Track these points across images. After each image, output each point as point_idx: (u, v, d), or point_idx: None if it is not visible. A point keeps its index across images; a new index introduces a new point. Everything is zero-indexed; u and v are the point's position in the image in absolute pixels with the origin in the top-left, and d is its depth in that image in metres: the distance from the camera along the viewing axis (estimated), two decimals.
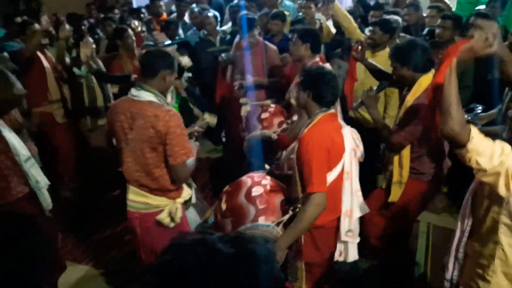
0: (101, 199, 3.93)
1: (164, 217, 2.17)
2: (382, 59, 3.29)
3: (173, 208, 2.19)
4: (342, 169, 2.05)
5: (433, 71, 2.22)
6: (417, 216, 2.59)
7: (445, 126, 1.62)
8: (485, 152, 1.56)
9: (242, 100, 3.86)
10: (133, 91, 2.08)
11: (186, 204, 2.37)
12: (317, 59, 3.03)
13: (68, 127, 3.96)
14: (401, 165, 2.45)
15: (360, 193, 2.13)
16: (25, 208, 2.29)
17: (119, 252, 3.24)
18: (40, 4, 7.25)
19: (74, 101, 3.91)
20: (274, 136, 2.95)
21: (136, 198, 2.20)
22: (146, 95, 2.04)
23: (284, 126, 3.06)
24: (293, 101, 2.90)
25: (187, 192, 2.30)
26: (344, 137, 2.06)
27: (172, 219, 2.20)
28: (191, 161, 2.14)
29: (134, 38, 3.98)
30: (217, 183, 4.22)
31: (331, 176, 2.01)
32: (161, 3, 5.61)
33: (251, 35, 3.81)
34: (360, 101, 2.53)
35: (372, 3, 5.48)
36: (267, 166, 2.75)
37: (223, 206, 2.27)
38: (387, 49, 3.35)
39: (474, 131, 1.60)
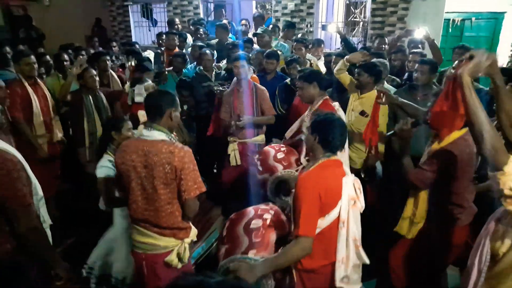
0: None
1: (173, 259, 2.17)
2: (368, 100, 3.49)
3: (182, 249, 2.20)
4: (338, 217, 1.99)
5: (465, 129, 2.21)
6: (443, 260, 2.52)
7: (483, 148, 1.61)
8: None
9: (230, 138, 3.97)
10: (145, 131, 2.15)
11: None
12: (327, 97, 3.16)
13: (47, 163, 3.81)
14: (416, 205, 2.50)
15: (359, 243, 2.05)
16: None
17: None
18: (40, 33, 7.45)
19: (74, 132, 3.93)
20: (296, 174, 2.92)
21: (143, 239, 2.20)
22: (157, 134, 2.12)
23: (303, 161, 3.07)
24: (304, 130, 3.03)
25: (194, 232, 2.30)
26: (344, 185, 1.99)
27: (181, 260, 2.20)
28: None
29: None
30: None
31: (324, 222, 1.97)
32: (175, 37, 5.87)
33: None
34: (392, 131, 2.48)
35: (359, 46, 5.79)
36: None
37: (224, 232, 2.31)
38: (374, 91, 3.44)
39: None
